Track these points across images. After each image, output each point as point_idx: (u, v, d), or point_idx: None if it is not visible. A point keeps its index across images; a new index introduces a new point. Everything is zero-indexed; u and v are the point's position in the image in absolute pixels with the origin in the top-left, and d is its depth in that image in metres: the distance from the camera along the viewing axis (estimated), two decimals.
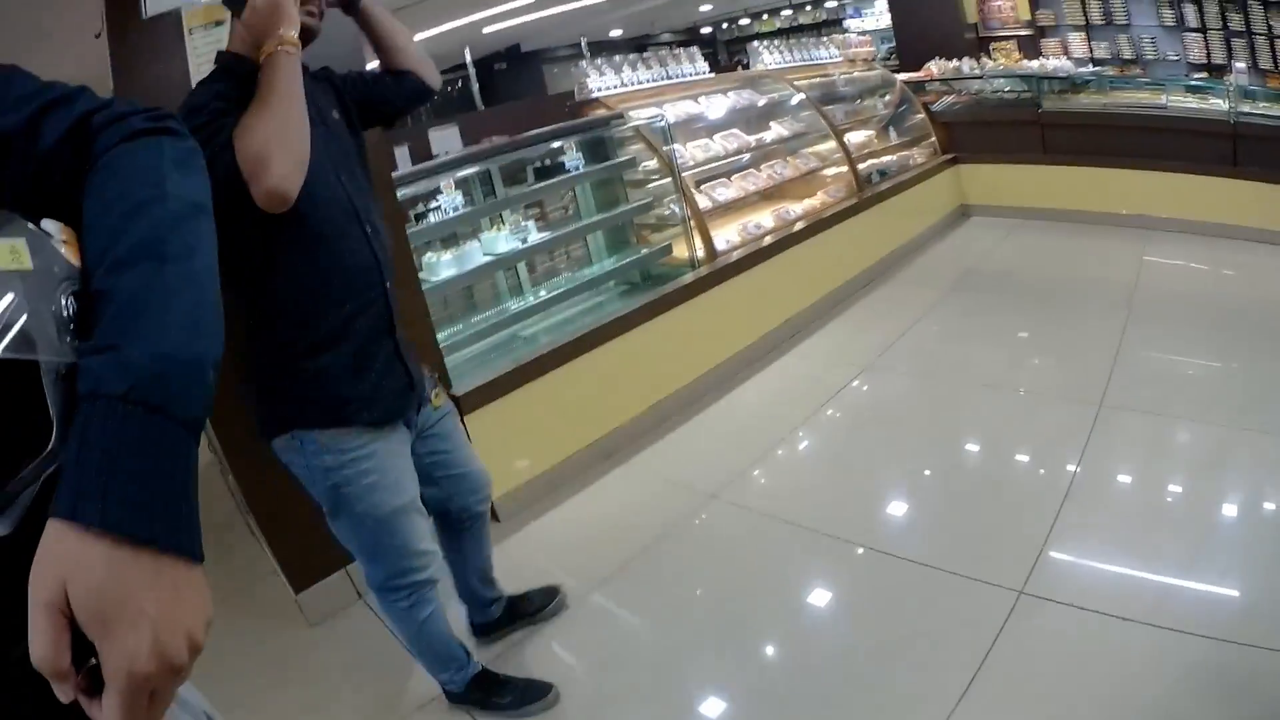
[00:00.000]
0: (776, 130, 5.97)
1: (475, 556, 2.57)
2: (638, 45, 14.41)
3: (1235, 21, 7.44)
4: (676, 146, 4.79)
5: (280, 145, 1.64)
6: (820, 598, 2.75)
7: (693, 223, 4.68)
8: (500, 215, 4.06)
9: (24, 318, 0.64)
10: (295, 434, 1.92)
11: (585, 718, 2.39)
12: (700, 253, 4.66)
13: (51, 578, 0.59)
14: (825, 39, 7.95)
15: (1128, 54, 8.28)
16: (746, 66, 7.47)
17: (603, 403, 3.91)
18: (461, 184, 3.74)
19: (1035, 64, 7.41)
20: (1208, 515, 2.80)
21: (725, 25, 18.28)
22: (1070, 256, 6.02)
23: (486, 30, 12.51)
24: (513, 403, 3.43)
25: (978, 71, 7.58)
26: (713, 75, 6.20)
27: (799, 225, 5.32)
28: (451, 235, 3.84)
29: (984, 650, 2.31)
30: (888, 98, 7.40)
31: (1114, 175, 6.42)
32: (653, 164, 4.81)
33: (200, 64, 2.56)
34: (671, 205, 4.75)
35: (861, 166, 6.24)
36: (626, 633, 2.73)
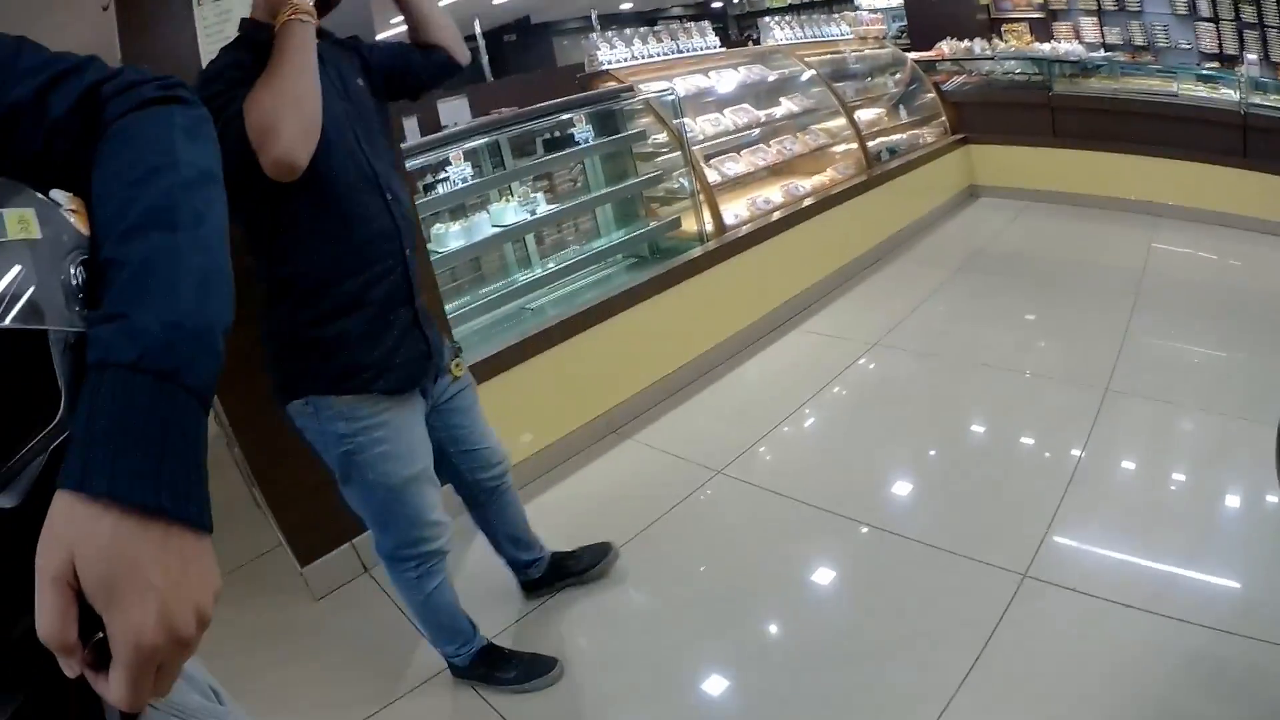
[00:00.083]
0: (786, 106, 5.93)
1: (500, 525, 2.59)
2: (648, 19, 14.26)
3: (1248, 13, 7.40)
4: (686, 120, 4.76)
5: (289, 114, 1.64)
6: (824, 575, 2.76)
7: (702, 197, 4.66)
8: (509, 187, 4.03)
9: (33, 287, 0.64)
10: (309, 399, 1.92)
11: (587, 692, 2.41)
12: (709, 227, 4.64)
13: (59, 549, 0.59)
14: (836, 15, 7.88)
15: (1140, 40, 8.24)
16: (757, 42, 7.39)
17: (608, 377, 3.90)
18: (470, 155, 3.71)
19: (1047, 47, 7.38)
20: (1211, 505, 2.80)
21: (736, 0, 18.14)
22: (1078, 240, 6.01)
23: (496, 1, 12.44)
24: (518, 375, 3.42)
25: (989, 53, 7.56)
26: (723, 50, 6.14)
27: (808, 201, 5.30)
28: (460, 206, 3.82)
29: (988, 631, 2.33)
30: (898, 76, 7.36)
31: (1123, 161, 6.40)
32: (662, 137, 4.78)
33: (209, 35, 2.53)
34: (680, 179, 4.74)
35: (871, 144, 6.22)
36: (628, 607, 2.74)
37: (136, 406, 0.63)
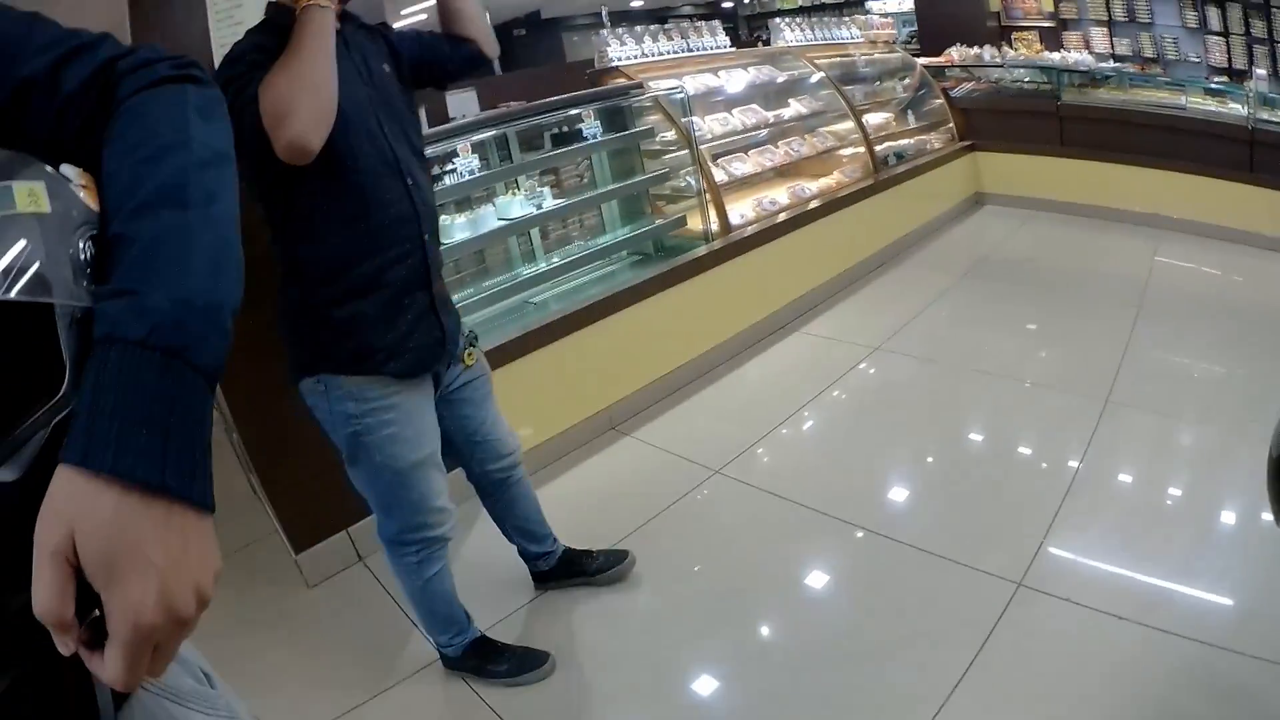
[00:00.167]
0: (795, 107, 5.93)
1: (509, 515, 2.60)
2: (659, 16, 14.27)
3: (1258, 28, 7.40)
4: (694, 119, 4.75)
5: (303, 99, 1.65)
6: (821, 577, 2.76)
7: (708, 196, 4.66)
8: (516, 180, 4.03)
9: (40, 260, 0.63)
10: (321, 378, 1.94)
11: (579, 687, 2.40)
12: (714, 226, 4.64)
13: (59, 524, 0.58)
14: (847, 19, 7.87)
15: (1149, 52, 8.24)
16: (767, 43, 7.38)
17: (609, 373, 3.90)
18: (478, 147, 3.70)
19: (1056, 56, 7.36)
20: (1207, 520, 2.80)
21: (747, 0, 18.13)
22: (1083, 250, 6.00)
23: None
24: (519, 369, 3.42)
25: (999, 60, 7.54)
26: (733, 50, 6.14)
27: (814, 204, 5.30)
28: (466, 198, 3.82)
29: (982, 638, 2.33)
30: (907, 81, 7.36)
31: (1129, 172, 6.38)
32: (670, 135, 4.78)
33: (219, 18, 2.54)
34: (687, 177, 4.73)
35: (879, 148, 6.22)
36: (623, 603, 2.73)
37: (143, 383, 0.63)
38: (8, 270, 0.61)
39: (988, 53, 7.63)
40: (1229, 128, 5.80)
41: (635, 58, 5.39)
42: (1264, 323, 4.36)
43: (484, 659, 2.41)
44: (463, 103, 4.40)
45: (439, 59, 2.20)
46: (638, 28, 5.70)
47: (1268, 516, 2.69)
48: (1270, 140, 5.57)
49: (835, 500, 3.09)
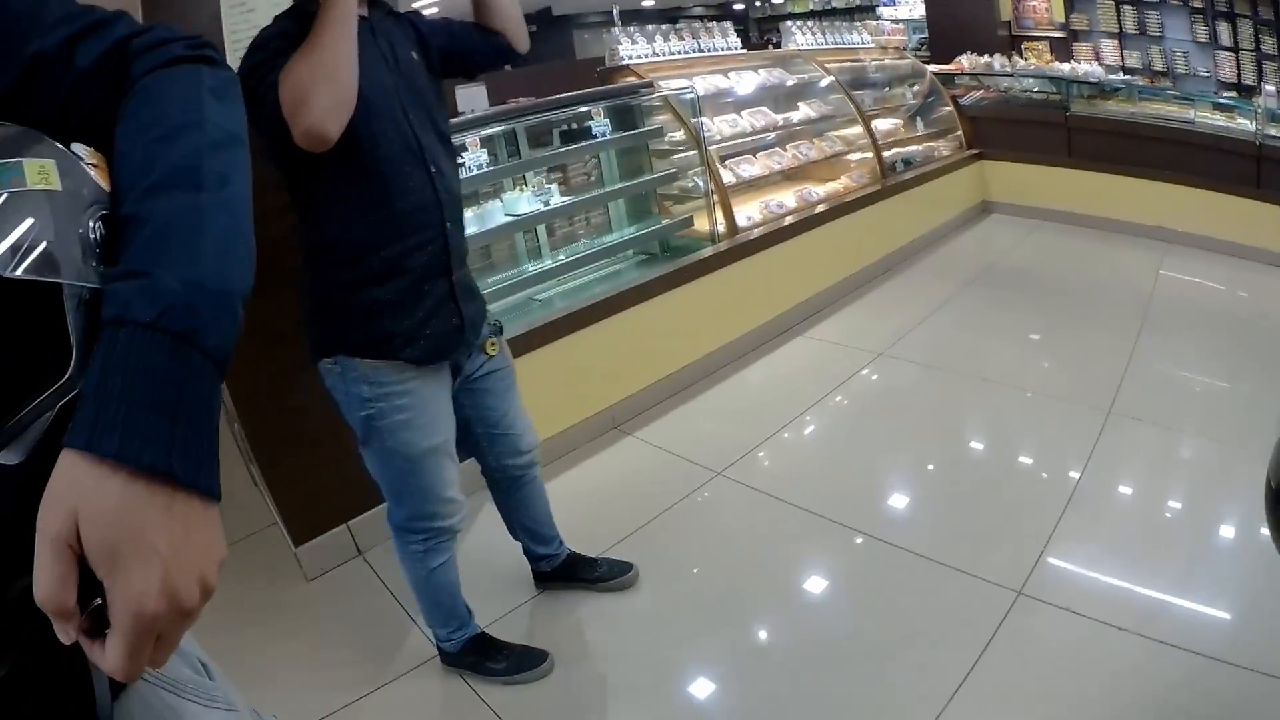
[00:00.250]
0: (804, 111, 5.92)
1: (518, 514, 2.59)
2: (670, 16, 14.26)
3: (1269, 44, 7.39)
4: (704, 120, 4.75)
5: (321, 87, 1.65)
6: (821, 580, 2.76)
7: (715, 197, 4.65)
8: (523, 176, 4.02)
9: (49, 239, 0.62)
10: (338, 359, 1.95)
11: (577, 686, 2.40)
12: (721, 227, 4.63)
13: (62, 510, 0.57)
14: (858, 24, 7.88)
15: (1159, 65, 8.22)
16: (778, 45, 7.42)
17: (613, 372, 3.89)
18: (486, 143, 3.70)
19: (1066, 67, 7.34)
20: (1206, 534, 2.80)
21: (758, 3, 18.14)
22: (1088, 261, 5.99)
23: None
24: (523, 366, 3.36)
25: (1009, 69, 7.53)
26: (744, 51, 6.14)
27: (821, 207, 5.29)
28: (473, 193, 3.81)
29: (982, 645, 2.32)
30: (917, 88, 7.34)
31: (1136, 184, 6.37)
32: (679, 135, 4.77)
33: (231, 4, 2.53)
34: (695, 178, 4.73)
35: (887, 154, 6.21)
36: (623, 602, 2.72)
37: (152, 367, 0.61)
38: (15, 247, 0.59)
39: (998, 62, 7.61)
40: (1237, 143, 5.78)
41: (646, 56, 5.40)
42: (1268, 338, 4.35)
43: (483, 656, 2.40)
44: (471, 97, 4.39)
45: (469, 49, 2.19)
46: (649, 27, 5.71)
47: (1266, 531, 2.71)
48: (1278, 156, 5.55)
49: (836, 505, 3.09)
